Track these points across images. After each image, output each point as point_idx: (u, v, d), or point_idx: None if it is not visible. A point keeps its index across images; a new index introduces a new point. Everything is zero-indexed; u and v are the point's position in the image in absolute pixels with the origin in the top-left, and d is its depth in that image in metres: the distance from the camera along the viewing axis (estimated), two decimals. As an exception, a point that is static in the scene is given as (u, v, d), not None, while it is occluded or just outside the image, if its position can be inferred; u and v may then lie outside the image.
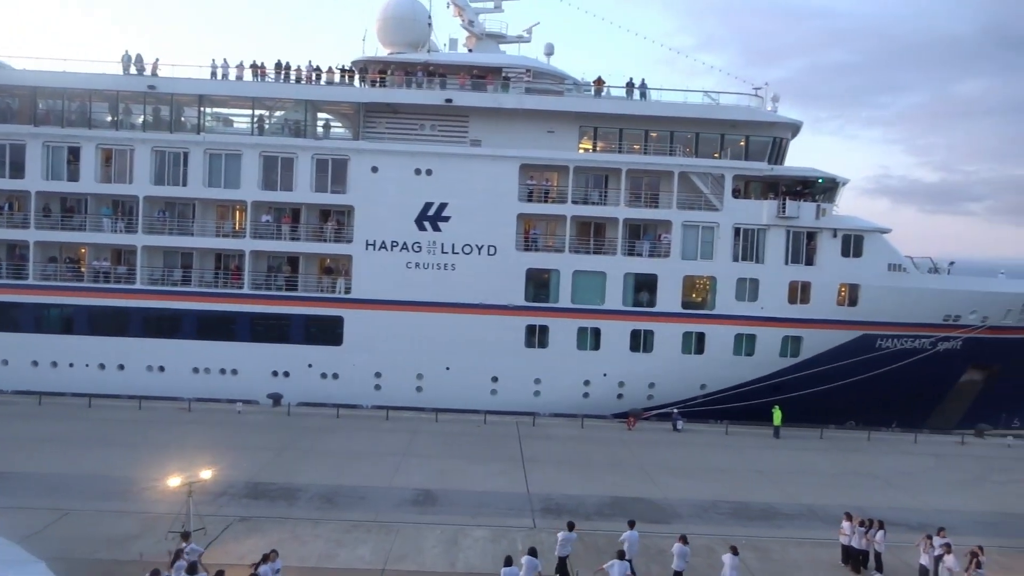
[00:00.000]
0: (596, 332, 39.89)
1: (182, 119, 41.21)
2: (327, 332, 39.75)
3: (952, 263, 44.37)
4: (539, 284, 40.28)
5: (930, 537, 20.34)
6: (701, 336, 39.94)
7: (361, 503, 24.73)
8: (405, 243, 39.64)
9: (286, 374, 39.58)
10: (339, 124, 43.52)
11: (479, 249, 39.66)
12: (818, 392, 38.76)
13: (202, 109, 40.65)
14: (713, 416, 39.08)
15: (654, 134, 41.08)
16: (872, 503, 26.62)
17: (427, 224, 39.61)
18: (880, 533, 21.14)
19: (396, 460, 29.74)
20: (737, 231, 40.10)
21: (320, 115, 42.45)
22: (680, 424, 37.65)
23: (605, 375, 39.85)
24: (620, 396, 39.97)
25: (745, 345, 39.94)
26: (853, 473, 31.48)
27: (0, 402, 37.26)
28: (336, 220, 40.71)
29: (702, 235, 40.17)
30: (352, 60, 42.31)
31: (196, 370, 39.55)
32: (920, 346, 40.28)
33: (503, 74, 41.20)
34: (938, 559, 19.67)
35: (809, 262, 40.23)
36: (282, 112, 42.12)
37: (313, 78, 41.43)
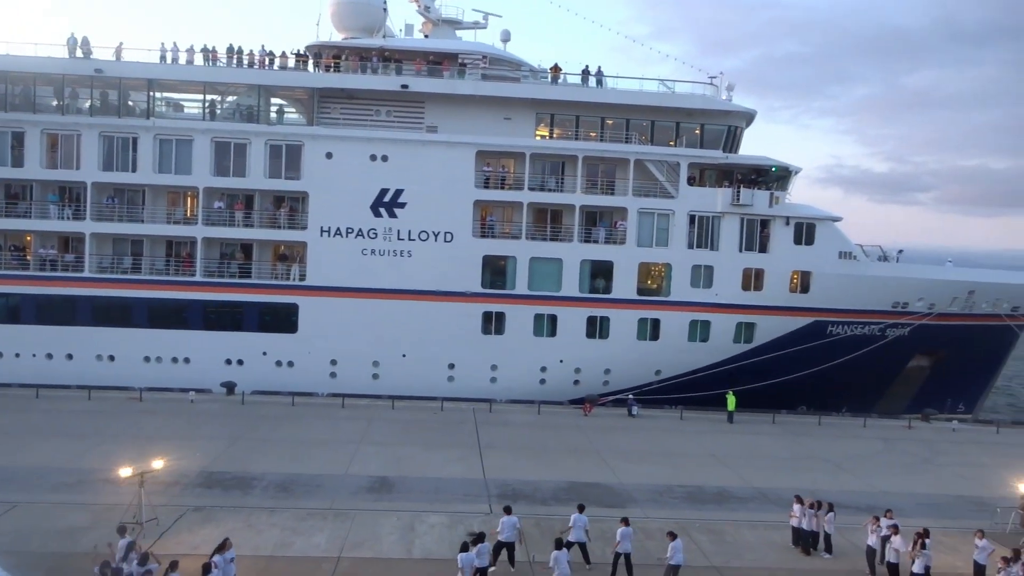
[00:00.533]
0: (552, 319, 40.07)
1: (130, 104, 40.26)
2: (282, 320, 39.31)
3: (901, 251, 45.48)
4: (496, 271, 40.30)
5: (877, 519, 20.86)
6: (656, 322, 40.36)
7: (317, 491, 24.57)
8: (361, 230, 39.31)
9: (240, 362, 39.07)
10: (293, 110, 42.97)
11: (435, 236, 39.52)
12: (772, 377, 39.57)
13: (152, 94, 39.73)
14: (668, 401, 39.56)
15: (610, 122, 41.28)
16: (822, 486, 27.24)
17: (383, 211, 39.32)
18: (830, 515, 21.65)
19: (352, 448, 29.59)
20: (692, 218, 40.54)
21: (273, 100, 41.85)
22: (635, 410, 38.06)
23: (561, 361, 40.08)
24: (576, 382, 40.25)
25: (700, 331, 40.48)
26: (804, 457, 32.15)
27: (-58, 393, 36.20)
28: (290, 207, 40.20)
29: (657, 222, 40.54)
30: (306, 45, 41.77)
31: (147, 359, 38.84)
32: (870, 332, 41.23)
33: (459, 60, 40.98)
34: (885, 540, 20.21)
35: (763, 249, 40.85)
36: (234, 97, 41.38)
37: (266, 63, 40.77)
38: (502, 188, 40.72)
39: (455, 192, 39.47)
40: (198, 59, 40.29)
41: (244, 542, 19.36)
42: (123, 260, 39.80)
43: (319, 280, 39.33)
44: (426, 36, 44.20)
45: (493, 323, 39.95)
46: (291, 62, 41.22)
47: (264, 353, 39.17)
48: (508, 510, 19.89)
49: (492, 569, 18.51)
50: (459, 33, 44.71)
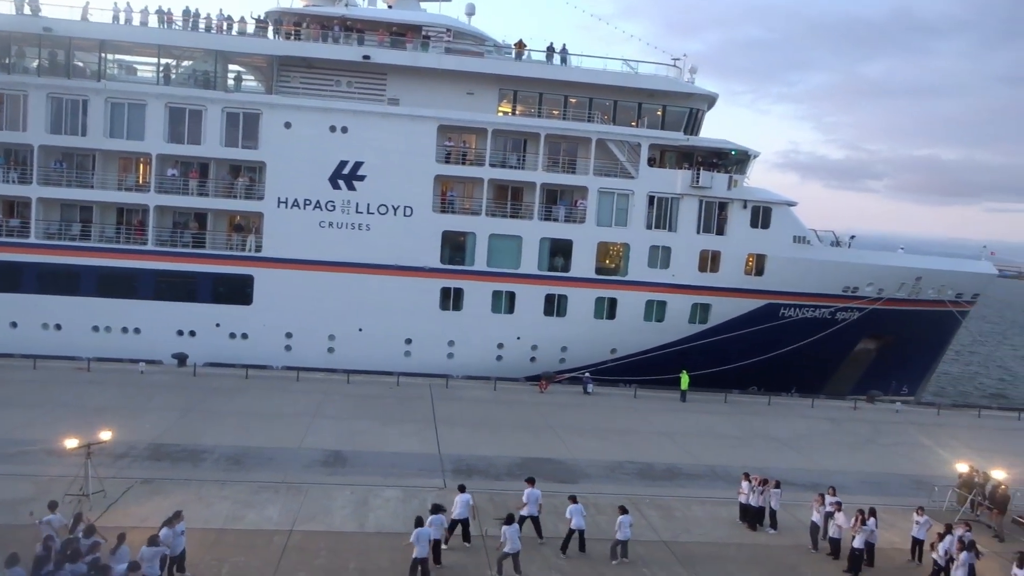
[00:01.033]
0: (511, 296, 40.12)
1: (80, 64, 39.02)
2: (236, 291, 38.72)
3: (853, 237, 46.47)
4: (455, 247, 40.15)
5: (823, 496, 21.50)
6: (613, 302, 40.68)
7: (269, 464, 24.39)
8: (319, 202, 38.80)
9: (192, 333, 38.44)
10: (251, 77, 42.07)
11: (395, 210, 39.19)
12: (726, 360, 40.29)
13: (103, 55, 38.53)
14: (623, 380, 40.00)
15: (573, 100, 41.20)
16: (770, 464, 27.88)
17: (341, 183, 38.83)
18: (776, 492, 22.19)
19: (306, 421, 29.40)
20: (651, 199, 40.80)
21: (231, 67, 40.93)
22: (590, 387, 38.42)
23: (519, 338, 40.20)
24: (533, 359, 40.44)
25: (656, 311, 40.91)
26: (753, 436, 32.84)
27: None
28: (247, 176, 39.45)
29: (617, 202, 40.73)
30: (266, 11, 40.83)
31: (96, 328, 37.98)
32: (821, 316, 42.09)
33: (423, 32, 40.46)
34: (829, 517, 20.82)
35: (720, 232, 41.32)
36: (190, 62, 40.34)
37: (224, 27, 39.79)
38: (463, 164, 40.48)
39: (415, 166, 39.13)
40: (153, 21, 39.09)
41: (194, 515, 19.15)
42: (71, 227, 38.72)
43: (275, 252, 38.77)
44: (390, 7, 43.49)
45: (451, 299, 39.86)
46: (250, 28, 40.33)
47: (217, 325, 38.58)
48: (462, 488, 19.96)
49: (444, 547, 18.60)
50: (423, 5, 44.08)
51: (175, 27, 39.31)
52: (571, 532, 19.28)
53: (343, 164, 38.74)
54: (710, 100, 42.68)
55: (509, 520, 18.04)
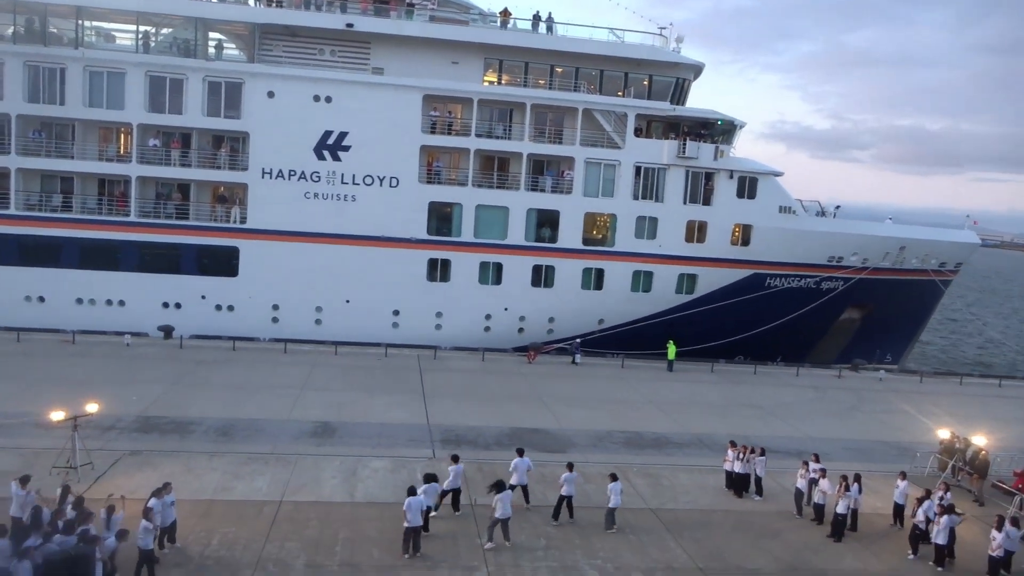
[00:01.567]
0: (498, 267, 40.06)
1: (56, 32, 38.25)
2: (221, 263, 38.43)
3: (838, 207, 46.65)
4: (441, 218, 39.97)
5: (807, 464, 21.77)
6: (600, 272, 40.72)
7: (258, 436, 24.40)
8: (303, 172, 38.43)
9: (178, 306, 38.19)
10: (232, 46, 41.37)
11: (380, 180, 38.90)
12: (712, 330, 40.54)
13: (80, 22, 37.75)
14: (611, 350, 40.17)
15: (559, 70, 40.88)
16: (755, 432, 28.22)
17: (326, 153, 38.46)
18: (761, 459, 22.44)
19: (294, 393, 29.38)
20: (638, 170, 40.69)
21: (212, 35, 40.17)
22: (578, 358, 38.57)
23: (506, 309, 40.22)
24: (521, 330, 40.51)
25: (643, 282, 41.00)
26: (739, 404, 33.13)
27: None
28: (230, 147, 38.98)
29: (604, 172, 40.61)
30: (247, -23, 40.08)
31: (80, 301, 37.64)
32: (806, 285, 42.33)
33: (407, 0, 39.89)
34: (813, 483, 21.10)
35: (706, 202, 41.32)
36: (170, 30, 39.63)
37: (205, -6, 39.04)
38: (449, 134, 40.16)
39: (401, 137, 38.79)
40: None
41: (184, 486, 19.16)
42: (52, 198, 38.21)
43: (260, 223, 38.44)
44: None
45: (438, 270, 39.76)
46: (231, -5, 39.58)
47: (203, 297, 38.33)
48: (455, 459, 20.04)
49: (434, 514, 18.73)
50: (407, -29, 43.39)
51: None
52: (561, 499, 19.44)
53: (327, 134, 38.33)
54: (696, 70, 42.46)
55: (500, 487, 18.16)
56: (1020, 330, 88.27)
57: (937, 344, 71.04)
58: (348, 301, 39.04)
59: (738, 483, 22.43)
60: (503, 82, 40.84)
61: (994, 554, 17.82)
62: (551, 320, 40.57)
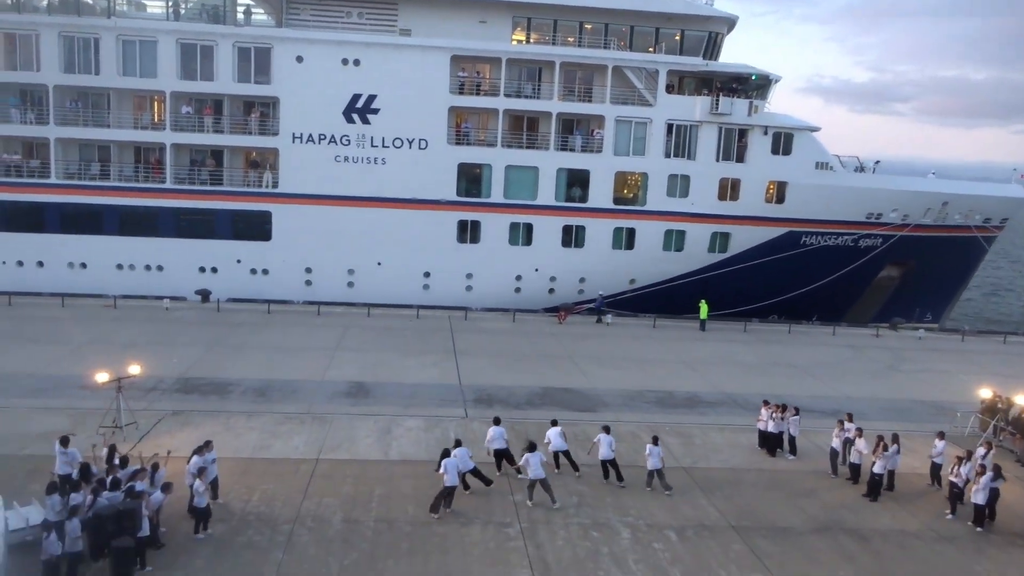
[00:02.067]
0: (528, 227, 40.00)
1: (89, 1, 38.54)
2: (255, 227, 38.90)
3: (878, 162, 45.46)
4: (471, 179, 39.92)
5: (841, 422, 21.55)
6: (632, 232, 40.45)
7: (294, 396, 24.87)
8: (333, 136, 38.56)
9: (214, 270, 38.82)
10: (260, 10, 41.31)
11: (409, 143, 38.89)
12: (746, 290, 40.24)
13: (111, -10, 38.02)
14: (642, 309, 40.07)
15: (589, 26, 40.26)
16: (789, 391, 27.93)
17: (356, 116, 38.49)
18: (795, 418, 22.29)
19: (328, 354, 29.82)
20: (670, 127, 40.14)
21: (240, 0, 40.18)
22: (609, 318, 38.54)
23: (537, 270, 40.24)
24: (551, 291, 40.53)
25: (675, 241, 40.67)
26: (773, 363, 32.89)
27: (-90, 301, 35.75)
28: (260, 112, 39.19)
29: (635, 131, 40.13)
30: (273, -60, 39.90)
31: (120, 267, 38.46)
32: (843, 243, 41.64)
33: (434, -41, 39.45)
34: (848, 443, 20.88)
35: (740, 159, 40.70)
36: (199, -4, 39.73)
37: (232, -41, 39.01)
38: (477, 94, 39.92)
39: (429, 98, 38.65)
40: (159, -46, 38.42)
41: (223, 444, 19.64)
42: (90, 166, 38.84)
43: (292, 187, 38.76)
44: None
45: (468, 232, 39.82)
46: (258, -41, 39.51)
47: (238, 261, 38.91)
48: (497, 421, 20.17)
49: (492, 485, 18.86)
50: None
51: (182, -40, 38.62)
52: (603, 463, 19.52)
53: (356, 97, 38.33)
54: (730, 23, 41.52)
55: (531, 448, 18.31)
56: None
57: (980, 302, 69.65)
58: (380, 263, 39.35)
59: (771, 442, 22.35)
60: (531, 41, 40.37)
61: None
62: (582, 280, 40.52)
